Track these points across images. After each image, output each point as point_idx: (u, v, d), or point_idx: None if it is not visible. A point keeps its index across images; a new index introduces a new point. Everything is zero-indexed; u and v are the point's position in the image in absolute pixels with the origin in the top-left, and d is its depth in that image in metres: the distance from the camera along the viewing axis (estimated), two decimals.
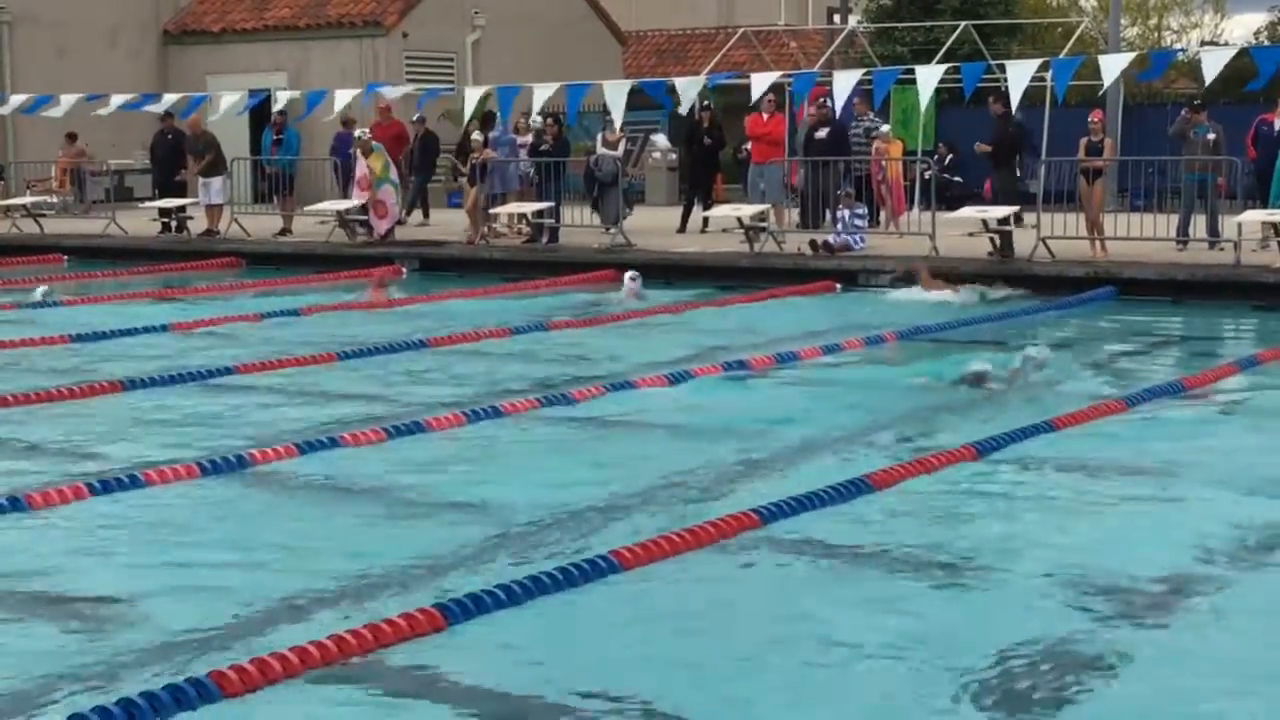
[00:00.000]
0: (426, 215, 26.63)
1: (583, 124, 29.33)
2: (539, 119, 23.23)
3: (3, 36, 30.82)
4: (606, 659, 6.13)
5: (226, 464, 9.17)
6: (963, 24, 29.77)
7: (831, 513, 8.13)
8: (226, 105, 24.86)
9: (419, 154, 26.29)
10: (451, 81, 30.82)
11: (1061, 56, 23.19)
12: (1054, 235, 18.99)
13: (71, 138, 28.56)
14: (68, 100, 24.86)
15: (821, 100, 23.70)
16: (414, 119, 25.91)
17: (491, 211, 22.65)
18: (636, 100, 23.22)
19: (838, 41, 34.06)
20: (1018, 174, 20.82)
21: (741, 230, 20.98)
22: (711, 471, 9.21)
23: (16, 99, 25.92)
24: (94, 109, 25.03)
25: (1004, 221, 19.42)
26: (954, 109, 29.22)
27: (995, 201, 20.21)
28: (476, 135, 23.51)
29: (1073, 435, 10.12)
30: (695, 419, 10.90)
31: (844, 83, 21.30)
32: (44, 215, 26.32)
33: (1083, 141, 20.24)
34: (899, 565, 7.32)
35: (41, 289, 18.28)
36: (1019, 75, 19.70)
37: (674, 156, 30.37)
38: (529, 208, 22.48)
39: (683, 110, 23.43)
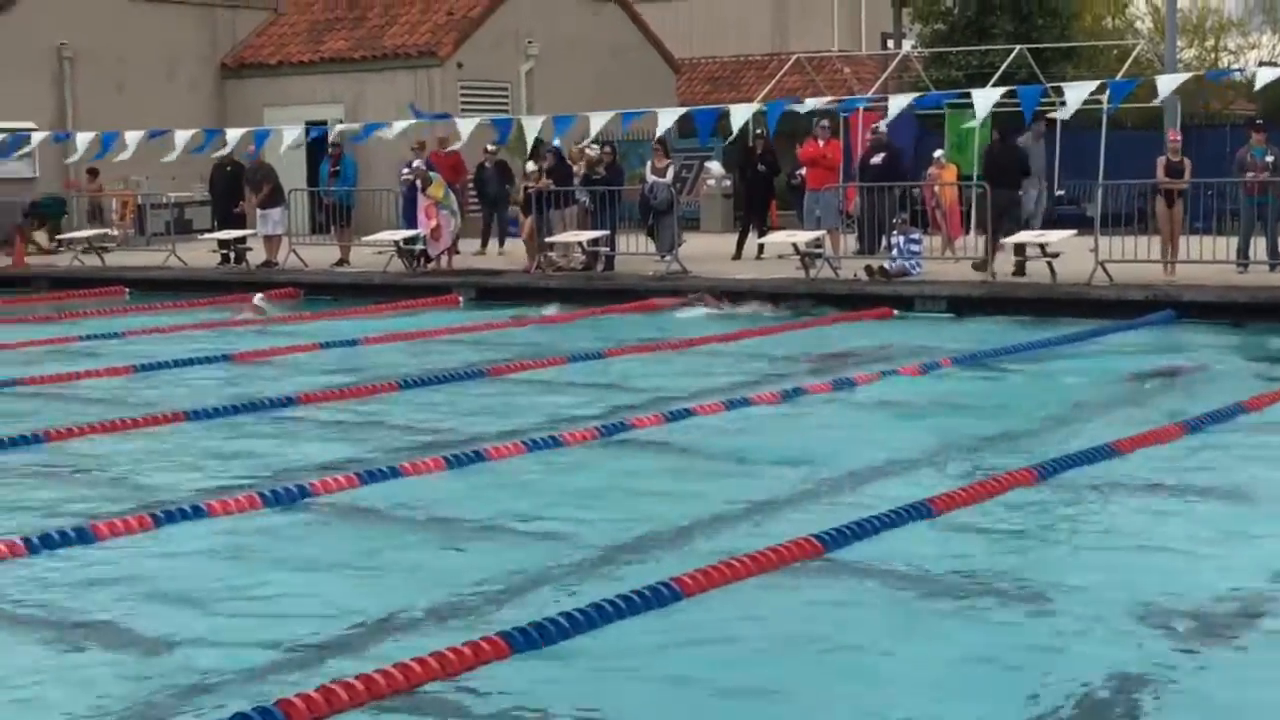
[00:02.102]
0: (502, 243, 26.79)
1: (637, 152, 29.39)
2: (595, 148, 23.30)
3: (65, 72, 31.23)
4: (671, 686, 6.13)
5: (288, 494, 9.24)
6: (1017, 48, 29.62)
7: (892, 537, 8.12)
8: (288, 140, 24.79)
9: (495, 184, 26.50)
10: (506, 110, 30.97)
11: (1118, 78, 23.08)
12: (1112, 259, 18.88)
13: (93, 173, 28.76)
14: (133, 140, 24.77)
15: (876, 126, 23.70)
16: (487, 147, 26.07)
17: (547, 240, 22.73)
18: (690, 127, 23.22)
19: (892, 67, 34.05)
20: (1019, 194, 21.11)
21: (797, 256, 20.98)
22: (771, 497, 9.21)
23: (83, 139, 25.85)
24: (160, 154, 24.96)
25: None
26: (1011, 134, 29.01)
27: (992, 220, 20.30)
28: (530, 165, 23.63)
29: (1133, 459, 10.06)
30: (754, 445, 10.91)
31: (898, 106, 21.39)
32: (105, 249, 26.62)
33: (1160, 161, 20.15)
34: (961, 591, 7.29)
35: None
36: (1076, 95, 19.74)
37: (729, 183, 30.40)
38: (585, 236, 22.56)
39: (732, 134, 23.36)
